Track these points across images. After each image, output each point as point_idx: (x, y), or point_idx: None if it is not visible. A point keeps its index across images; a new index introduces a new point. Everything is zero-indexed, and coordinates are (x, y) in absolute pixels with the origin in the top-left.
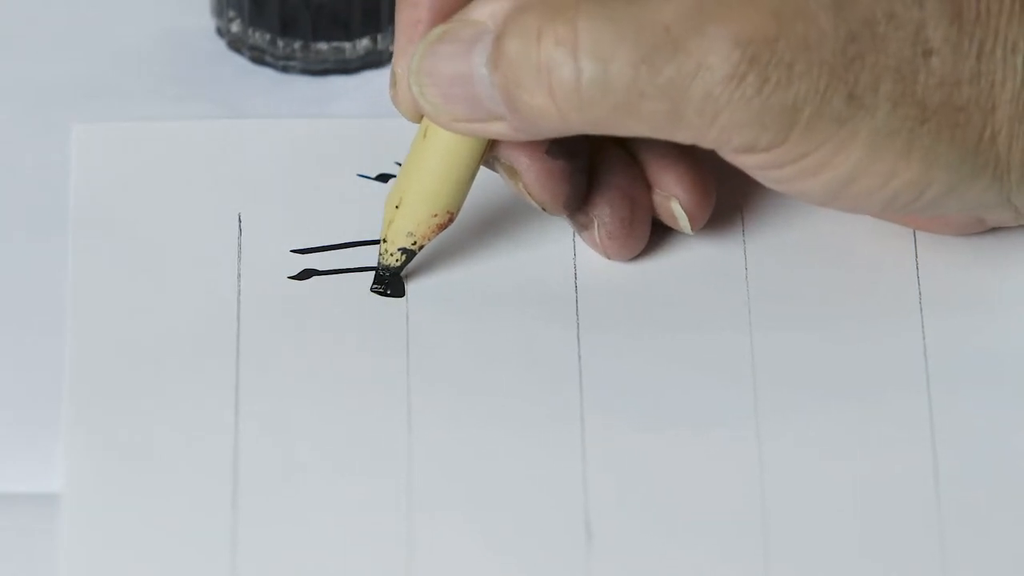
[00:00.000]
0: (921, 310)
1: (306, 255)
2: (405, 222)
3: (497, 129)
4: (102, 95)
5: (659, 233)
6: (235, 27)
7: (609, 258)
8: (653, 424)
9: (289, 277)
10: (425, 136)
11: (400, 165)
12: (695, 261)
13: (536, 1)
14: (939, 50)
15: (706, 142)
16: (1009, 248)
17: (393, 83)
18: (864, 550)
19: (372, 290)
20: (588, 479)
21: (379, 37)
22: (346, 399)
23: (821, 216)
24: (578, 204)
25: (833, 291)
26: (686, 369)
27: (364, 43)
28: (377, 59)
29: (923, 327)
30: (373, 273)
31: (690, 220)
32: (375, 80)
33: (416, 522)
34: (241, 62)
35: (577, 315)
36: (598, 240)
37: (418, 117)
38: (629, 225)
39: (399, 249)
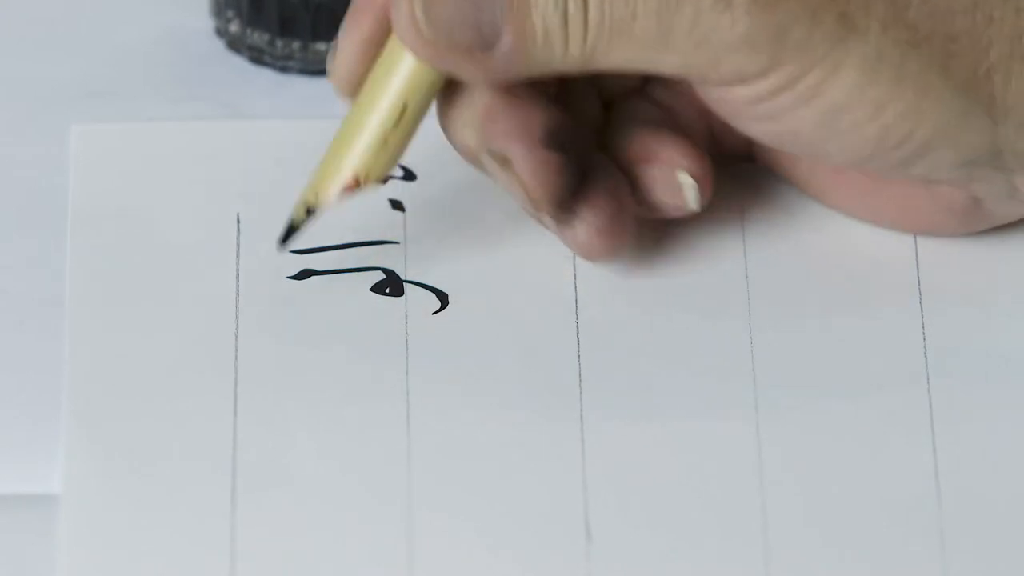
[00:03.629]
0: (921, 310)
1: (305, 255)
2: (315, 178)
3: (478, 64)
4: (101, 95)
5: (659, 234)
6: (234, 27)
7: (589, 259)
8: (653, 424)
9: (288, 277)
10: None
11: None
12: (695, 261)
13: None
14: None
15: (695, 70)
16: (1009, 248)
17: (334, 51)
18: (864, 550)
19: (279, 247)
20: (588, 479)
21: None
22: (345, 399)
23: (821, 215)
24: (568, 199)
25: (833, 291)
26: (686, 369)
27: None
28: None
29: (923, 326)
30: (373, 273)
31: (699, 188)
32: None
33: (416, 522)
34: (240, 62)
35: (577, 314)
36: (582, 238)
37: (351, 91)
38: (618, 221)
39: (304, 204)
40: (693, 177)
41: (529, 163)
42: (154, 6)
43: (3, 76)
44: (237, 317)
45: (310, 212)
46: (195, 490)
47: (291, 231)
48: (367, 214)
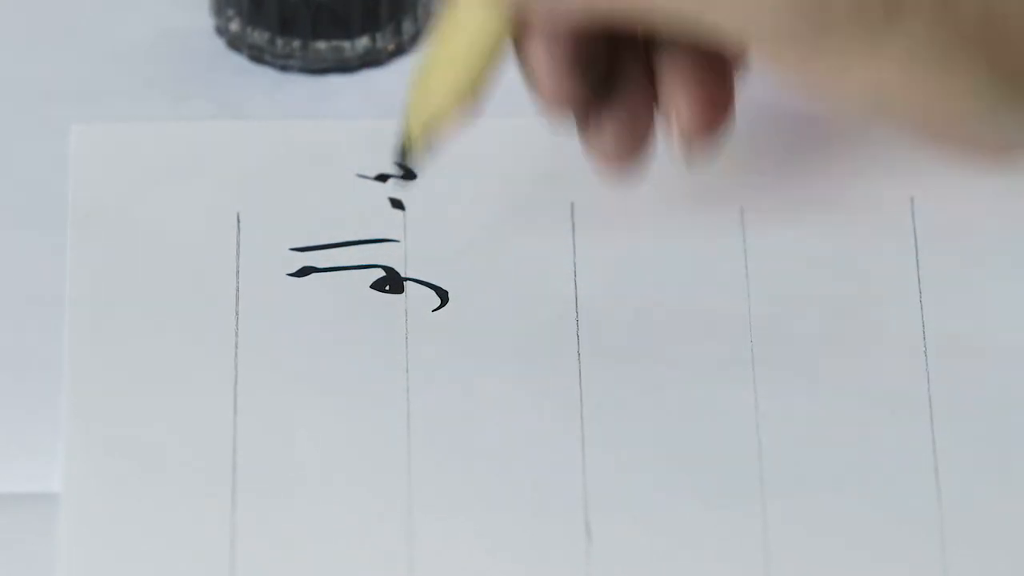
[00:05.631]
0: (922, 307)
1: (305, 252)
2: (428, 101)
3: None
4: (101, 95)
5: (659, 234)
6: (234, 26)
7: (607, 166)
8: (653, 425)
9: (288, 275)
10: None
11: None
12: (695, 261)
13: None
14: None
15: (734, 32)
16: (1010, 247)
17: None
18: (865, 551)
19: (393, 167)
20: (588, 479)
21: (378, 36)
22: (345, 397)
23: (822, 214)
24: (586, 103)
25: (833, 289)
26: (686, 370)
27: (363, 42)
28: (376, 58)
29: (924, 324)
30: (372, 271)
31: (687, 140)
32: (375, 79)
33: (416, 522)
34: (240, 61)
35: (577, 314)
36: (599, 144)
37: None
38: (631, 139)
39: (422, 126)
40: (685, 133)
41: (546, 63)
42: (154, 6)
43: (3, 76)
44: (237, 316)
45: (429, 134)
46: (195, 490)
47: (415, 153)
48: (367, 212)
